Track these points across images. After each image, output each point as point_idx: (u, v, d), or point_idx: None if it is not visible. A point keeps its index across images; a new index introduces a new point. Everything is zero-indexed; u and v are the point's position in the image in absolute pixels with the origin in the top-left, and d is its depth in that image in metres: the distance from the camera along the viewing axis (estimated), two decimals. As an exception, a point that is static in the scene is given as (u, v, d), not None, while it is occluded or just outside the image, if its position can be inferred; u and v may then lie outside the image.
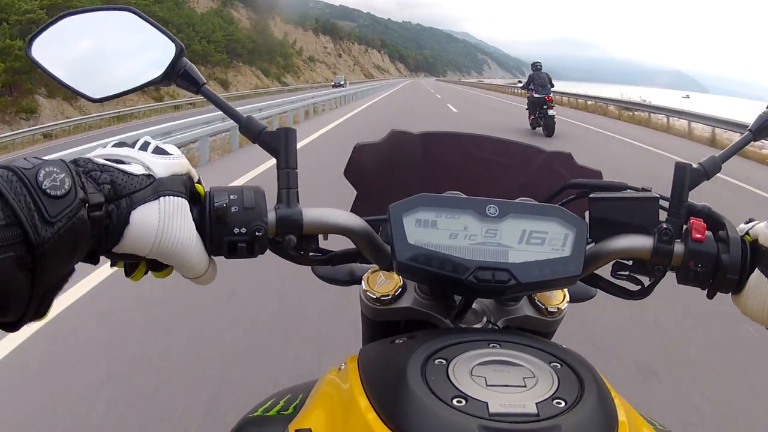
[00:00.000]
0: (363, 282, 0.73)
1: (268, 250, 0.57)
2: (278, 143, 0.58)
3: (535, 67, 13.24)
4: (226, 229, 0.53)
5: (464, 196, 0.62)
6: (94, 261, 0.49)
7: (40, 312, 0.44)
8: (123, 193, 0.47)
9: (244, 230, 0.53)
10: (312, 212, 0.58)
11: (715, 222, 0.60)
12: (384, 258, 0.60)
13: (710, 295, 0.59)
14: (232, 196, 0.54)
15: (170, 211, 0.49)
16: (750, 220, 0.60)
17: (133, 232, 0.47)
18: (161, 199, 0.49)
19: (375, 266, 0.70)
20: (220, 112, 0.64)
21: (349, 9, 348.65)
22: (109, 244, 0.48)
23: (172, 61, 0.59)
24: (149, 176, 0.49)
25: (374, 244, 0.60)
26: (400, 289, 0.71)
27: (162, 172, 0.50)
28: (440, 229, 0.56)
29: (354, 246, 0.61)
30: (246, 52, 69.39)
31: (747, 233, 0.58)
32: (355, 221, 0.59)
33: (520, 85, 16.64)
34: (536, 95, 12.59)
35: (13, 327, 0.43)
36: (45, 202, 0.41)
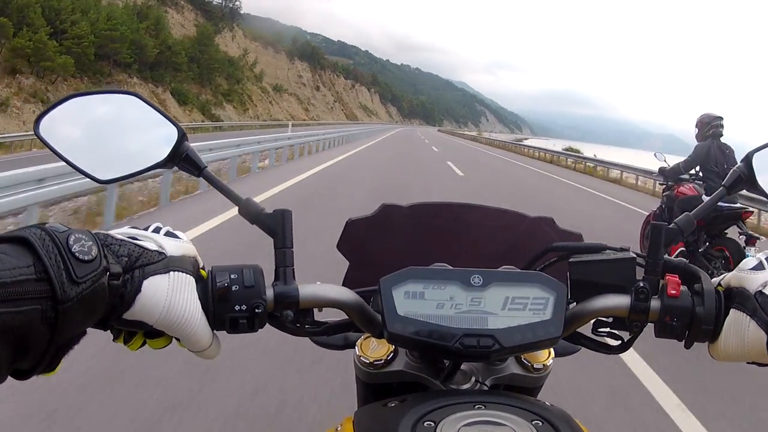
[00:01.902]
0: (356, 347, 0.77)
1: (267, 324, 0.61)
2: (275, 224, 0.61)
3: (712, 129, 5.17)
4: (227, 306, 0.57)
5: (450, 267, 0.66)
6: (105, 327, 0.53)
7: (51, 366, 0.47)
8: (137, 264, 0.51)
9: (244, 307, 0.57)
10: (307, 288, 0.61)
11: (690, 276, 0.63)
12: (375, 327, 0.63)
13: (687, 346, 0.62)
14: (232, 276, 0.57)
15: (178, 285, 0.53)
16: (721, 273, 0.64)
17: (143, 300, 0.51)
18: (171, 273, 0.53)
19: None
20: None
21: (347, 45, 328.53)
22: (121, 310, 0.51)
23: (175, 145, 0.63)
24: (161, 253, 0.54)
25: (366, 315, 0.63)
26: (392, 354, 0.74)
27: (172, 251, 0.55)
28: (428, 300, 0.60)
29: (347, 317, 0.65)
30: (134, 60, 43.89)
31: (719, 284, 0.62)
32: (348, 295, 0.63)
33: (665, 165, 5.50)
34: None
35: (24, 375, 0.46)
36: (73, 263, 0.44)
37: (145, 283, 0.51)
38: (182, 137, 0.63)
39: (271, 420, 2.44)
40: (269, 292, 0.59)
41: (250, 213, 0.63)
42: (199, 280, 0.57)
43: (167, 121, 0.64)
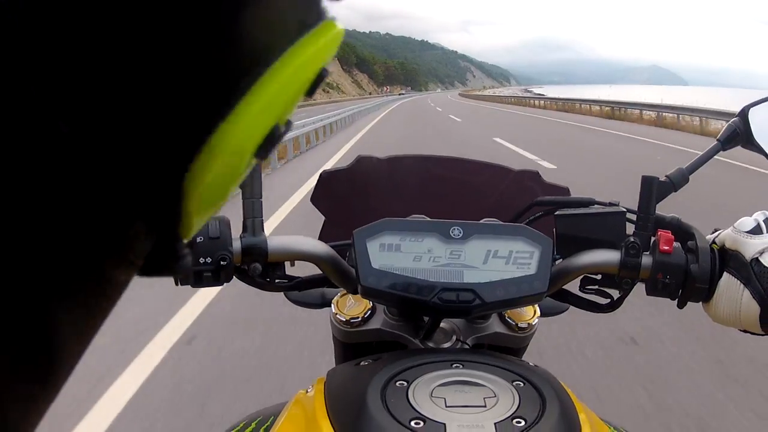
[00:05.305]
0: (333, 305, 0.73)
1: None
2: None
3: None
4: (191, 259, 0.54)
5: (429, 219, 0.63)
6: None
7: None
8: None
9: (209, 260, 0.55)
10: (276, 240, 0.59)
11: (684, 233, 0.60)
12: (350, 282, 0.61)
13: (681, 305, 0.60)
14: None
15: None
16: (715, 230, 0.61)
17: None
18: None
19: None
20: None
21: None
22: None
23: None
24: None
25: (340, 269, 0.61)
26: (369, 312, 0.71)
27: None
28: (404, 253, 0.58)
29: (321, 272, 0.63)
30: None
31: (714, 242, 0.59)
32: (320, 247, 0.61)
33: None
34: None
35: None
36: None
37: None
38: None
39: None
40: (236, 244, 0.57)
41: None
42: None
43: None
